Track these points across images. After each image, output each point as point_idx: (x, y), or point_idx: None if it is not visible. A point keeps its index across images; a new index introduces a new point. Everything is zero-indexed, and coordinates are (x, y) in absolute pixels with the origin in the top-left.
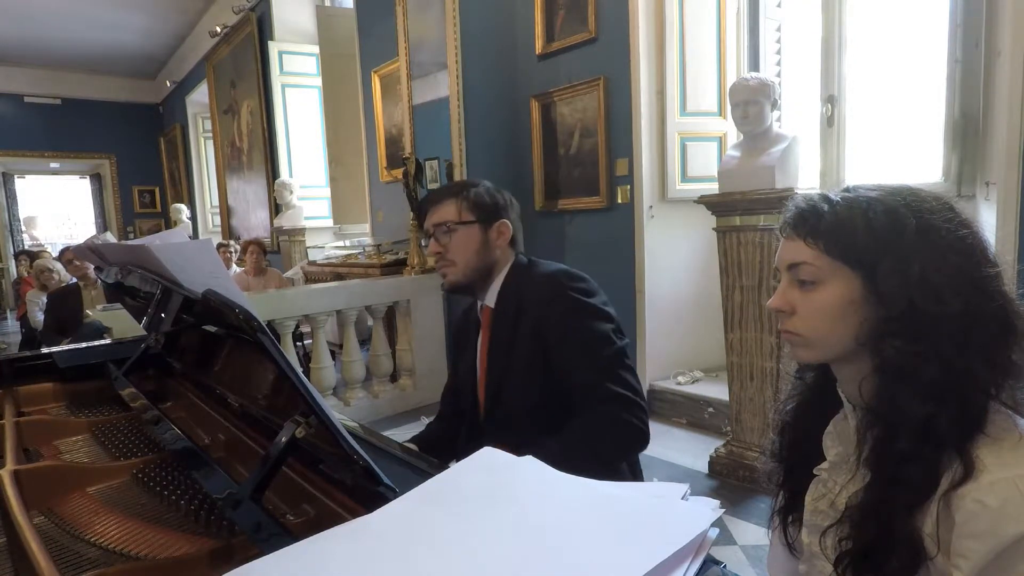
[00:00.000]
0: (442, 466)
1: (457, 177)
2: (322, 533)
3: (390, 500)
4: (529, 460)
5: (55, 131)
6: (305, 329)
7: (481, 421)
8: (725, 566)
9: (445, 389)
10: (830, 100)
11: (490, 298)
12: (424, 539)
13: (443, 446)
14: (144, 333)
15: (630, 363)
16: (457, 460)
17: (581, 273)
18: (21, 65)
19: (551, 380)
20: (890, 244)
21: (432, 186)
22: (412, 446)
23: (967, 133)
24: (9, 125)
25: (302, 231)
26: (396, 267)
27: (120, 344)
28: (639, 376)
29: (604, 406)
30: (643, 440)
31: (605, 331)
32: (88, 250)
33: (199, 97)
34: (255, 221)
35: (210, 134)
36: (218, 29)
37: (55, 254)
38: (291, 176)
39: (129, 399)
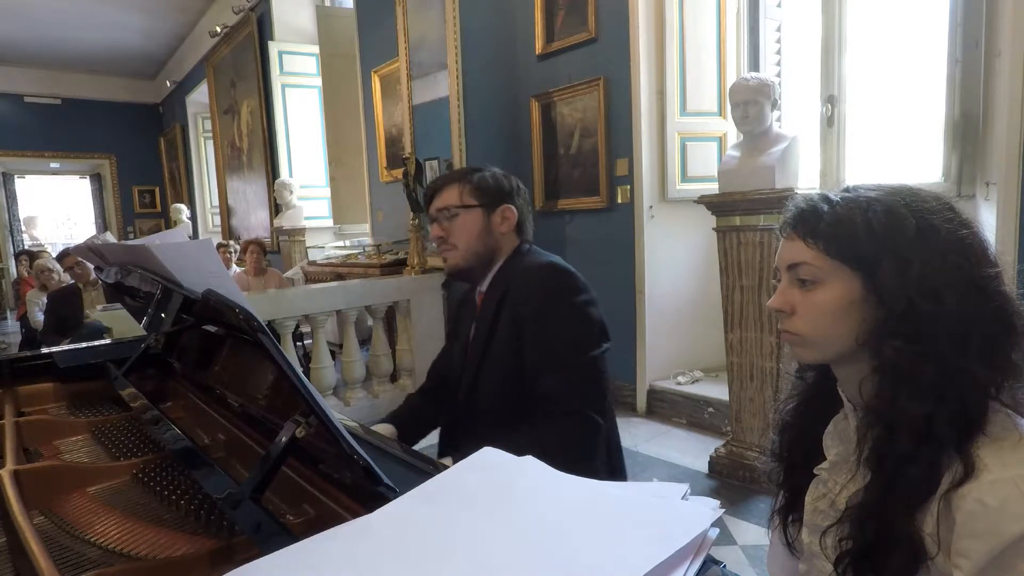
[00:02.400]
0: (442, 466)
1: None
2: (322, 533)
3: (390, 500)
4: (529, 460)
5: (55, 131)
6: (305, 329)
7: (461, 398)
8: (725, 566)
9: (432, 364)
10: (830, 100)
11: (485, 284)
12: (424, 539)
13: (422, 422)
14: (144, 333)
15: (602, 372)
16: (440, 439)
17: (569, 267)
18: (21, 65)
19: (523, 366)
20: (890, 244)
21: None
22: (389, 425)
23: (967, 133)
24: (9, 125)
25: (302, 231)
26: (396, 267)
27: (120, 344)
28: (639, 376)
29: (560, 422)
30: (591, 458)
31: (580, 335)
32: (88, 250)
33: (199, 97)
34: (255, 221)
35: (210, 134)
36: (218, 29)
37: (55, 254)
38: (291, 176)
39: (129, 399)
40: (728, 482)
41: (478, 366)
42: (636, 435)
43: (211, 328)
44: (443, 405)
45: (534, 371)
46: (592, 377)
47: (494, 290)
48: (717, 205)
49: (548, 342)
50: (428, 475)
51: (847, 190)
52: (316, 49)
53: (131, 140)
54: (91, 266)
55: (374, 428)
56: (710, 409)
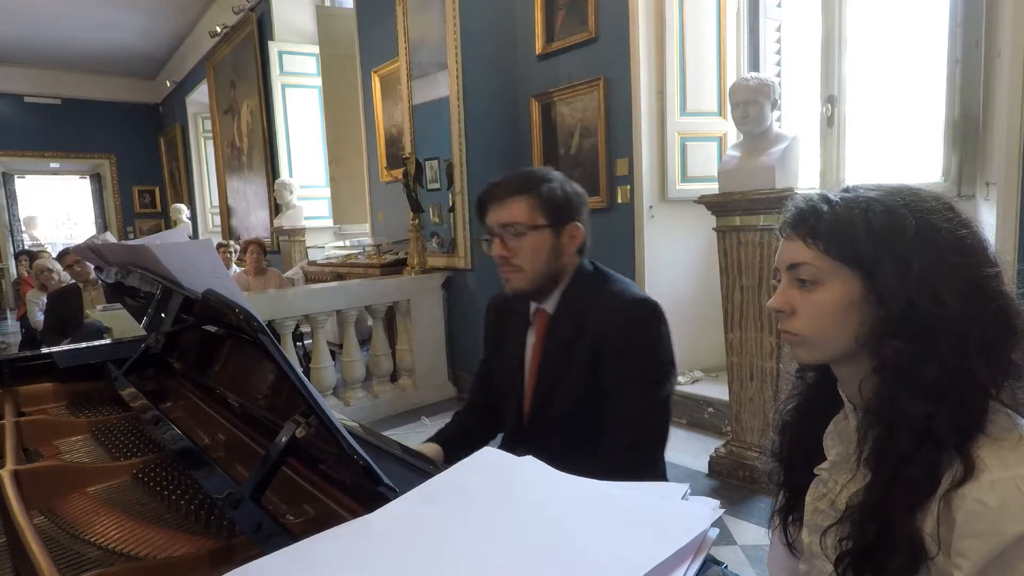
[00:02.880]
0: (442, 466)
1: (458, 178)
2: (322, 533)
3: (390, 500)
4: (529, 460)
5: (55, 131)
6: (305, 329)
7: (526, 424)
8: (726, 566)
9: (476, 377)
10: (830, 100)
11: (549, 304)
12: (424, 539)
13: (476, 437)
14: (144, 333)
15: (670, 408)
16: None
17: (655, 301)
18: (21, 65)
19: (598, 395)
20: (889, 244)
21: (432, 186)
22: (431, 447)
23: (967, 133)
24: (9, 125)
25: (302, 231)
26: (396, 267)
27: (120, 344)
28: None
29: (622, 454)
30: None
31: (661, 372)
32: (88, 250)
33: (199, 97)
34: (255, 221)
35: (210, 134)
36: (218, 29)
37: (55, 254)
38: (291, 176)
39: (129, 399)
40: (728, 482)
41: (550, 388)
42: None
43: (211, 328)
44: (495, 421)
45: (609, 396)
46: (660, 412)
47: (568, 312)
48: (717, 205)
49: (629, 376)
50: (428, 475)
51: (847, 190)
52: (316, 49)
53: (131, 140)
54: (91, 266)
55: (419, 447)
56: (710, 409)
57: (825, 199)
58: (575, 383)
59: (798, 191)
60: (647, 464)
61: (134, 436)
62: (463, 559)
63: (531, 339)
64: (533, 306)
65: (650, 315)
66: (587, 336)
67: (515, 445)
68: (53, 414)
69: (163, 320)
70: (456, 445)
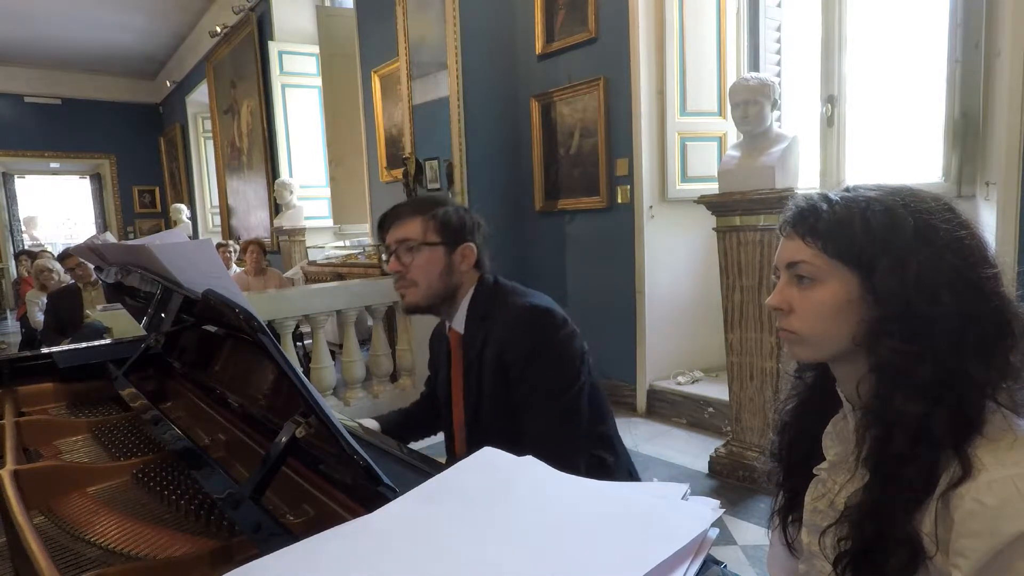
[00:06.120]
0: (442, 466)
1: (458, 178)
2: (322, 533)
3: (390, 500)
4: (529, 460)
5: (55, 131)
6: (305, 329)
7: (458, 451)
8: (725, 566)
9: (427, 381)
10: (830, 100)
11: (458, 322)
12: (424, 539)
13: (411, 427)
14: (144, 333)
15: (583, 410)
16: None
17: (549, 305)
18: (21, 65)
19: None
20: (888, 244)
21: (432, 186)
22: (374, 421)
23: (967, 133)
24: (9, 125)
25: (302, 231)
26: None
27: (120, 344)
28: (639, 376)
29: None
30: None
31: (563, 379)
32: (88, 250)
33: (199, 97)
34: (255, 221)
35: (210, 134)
36: (218, 29)
37: (55, 254)
38: (291, 176)
39: (129, 399)
40: (728, 482)
41: (475, 408)
42: (636, 435)
43: (211, 328)
44: (438, 416)
45: (520, 410)
46: (571, 417)
47: (473, 330)
48: (717, 205)
49: (531, 388)
50: (428, 475)
51: (847, 190)
52: (316, 49)
53: (131, 140)
54: (91, 266)
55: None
56: (710, 409)
57: (825, 198)
58: (494, 399)
59: (798, 191)
60: (591, 463)
61: (134, 436)
62: (464, 559)
63: (452, 360)
64: (448, 326)
65: (545, 322)
66: (490, 352)
67: (452, 459)
68: (53, 414)
69: (163, 320)
70: (394, 427)
